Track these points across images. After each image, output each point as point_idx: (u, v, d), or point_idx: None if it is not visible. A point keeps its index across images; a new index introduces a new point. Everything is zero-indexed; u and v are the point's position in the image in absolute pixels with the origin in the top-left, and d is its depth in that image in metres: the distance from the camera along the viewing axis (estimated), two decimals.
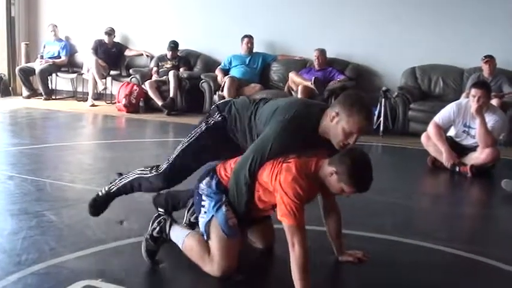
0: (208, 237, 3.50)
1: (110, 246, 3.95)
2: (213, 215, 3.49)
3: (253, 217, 3.67)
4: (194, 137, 3.83)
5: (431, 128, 6.88)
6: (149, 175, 3.94)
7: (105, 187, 4.16)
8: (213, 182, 3.59)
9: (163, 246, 3.73)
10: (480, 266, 3.97)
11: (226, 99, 4.39)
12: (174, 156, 3.87)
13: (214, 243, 3.47)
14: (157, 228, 3.70)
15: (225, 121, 3.77)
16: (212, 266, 3.46)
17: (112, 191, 4.11)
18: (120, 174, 4.16)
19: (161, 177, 3.89)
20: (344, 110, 3.35)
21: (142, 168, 4.04)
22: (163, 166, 3.90)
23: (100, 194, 4.14)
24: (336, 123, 3.37)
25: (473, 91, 6.66)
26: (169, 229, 3.69)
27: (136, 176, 4.02)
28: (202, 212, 3.56)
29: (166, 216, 3.78)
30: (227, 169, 3.60)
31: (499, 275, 3.85)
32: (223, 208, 3.48)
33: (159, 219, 3.76)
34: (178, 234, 3.66)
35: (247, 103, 3.78)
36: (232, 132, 3.74)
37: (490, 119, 6.61)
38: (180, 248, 3.64)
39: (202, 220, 3.55)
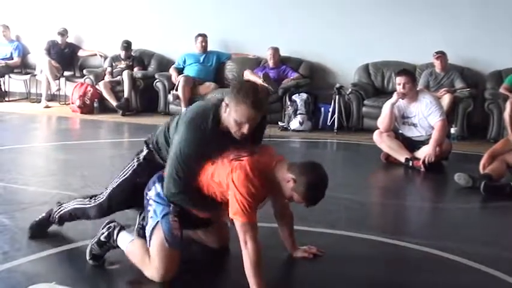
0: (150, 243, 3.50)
1: (63, 249, 3.93)
2: (158, 221, 3.48)
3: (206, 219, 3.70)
4: (127, 174, 3.84)
5: (377, 138, 7.01)
6: (86, 206, 3.95)
7: (44, 214, 4.15)
8: (161, 191, 3.55)
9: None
10: (433, 258, 4.03)
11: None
12: (109, 190, 3.88)
13: (154, 250, 3.45)
14: (106, 234, 3.69)
15: (152, 152, 3.78)
16: (151, 271, 3.46)
17: (55, 221, 4.10)
18: (60, 204, 4.14)
19: (96, 209, 3.91)
20: (232, 100, 3.31)
21: (81, 199, 4.05)
22: (100, 199, 3.90)
23: (40, 218, 4.15)
24: (228, 114, 3.34)
25: (397, 80, 6.87)
26: (117, 236, 3.67)
27: (75, 206, 4.01)
28: (149, 216, 3.55)
29: (116, 223, 3.75)
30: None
31: (452, 267, 3.92)
32: (170, 217, 3.47)
33: (109, 225, 3.74)
34: (125, 240, 3.64)
35: (164, 127, 3.77)
36: (164, 160, 3.66)
37: (427, 104, 6.70)
38: (125, 252, 3.63)
39: (148, 225, 3.53)
